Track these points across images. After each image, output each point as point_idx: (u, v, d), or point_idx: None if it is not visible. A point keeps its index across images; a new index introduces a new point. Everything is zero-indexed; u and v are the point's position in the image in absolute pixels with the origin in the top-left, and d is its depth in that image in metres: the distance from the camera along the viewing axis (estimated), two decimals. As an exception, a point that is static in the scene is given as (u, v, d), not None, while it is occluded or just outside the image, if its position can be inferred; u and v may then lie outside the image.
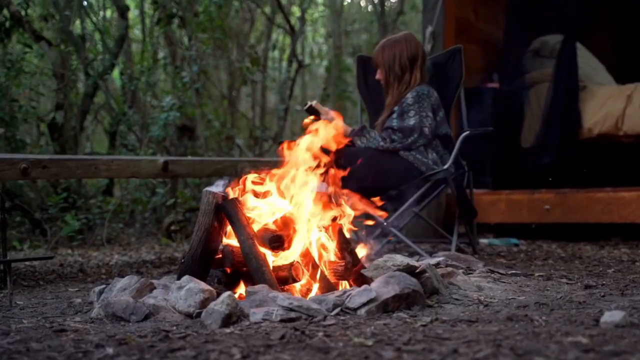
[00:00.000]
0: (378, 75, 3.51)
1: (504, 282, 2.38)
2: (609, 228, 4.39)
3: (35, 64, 5.42)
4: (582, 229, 4.45)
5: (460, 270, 2.46)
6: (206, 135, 6.32)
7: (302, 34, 8.38)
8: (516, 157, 5.19)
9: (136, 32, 7.84)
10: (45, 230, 4.54)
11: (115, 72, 6.75)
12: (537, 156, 5.00)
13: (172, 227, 4.84)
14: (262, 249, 2.15)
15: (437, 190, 3.50)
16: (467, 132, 3.34)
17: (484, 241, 4.32)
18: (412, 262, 2.12)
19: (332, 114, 3.28)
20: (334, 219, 2.31)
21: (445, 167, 3.25)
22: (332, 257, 2.27)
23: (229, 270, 2.28)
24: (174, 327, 1.82)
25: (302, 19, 7.91)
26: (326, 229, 2.27)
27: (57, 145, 4.96)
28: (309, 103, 3.34)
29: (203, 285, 2.00)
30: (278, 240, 2.20)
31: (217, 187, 2.29)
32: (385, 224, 3.34)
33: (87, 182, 5.61)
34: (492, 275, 2.49)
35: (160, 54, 6.43)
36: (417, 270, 2.10)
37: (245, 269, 2.17)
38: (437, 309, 1.98)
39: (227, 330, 1.72)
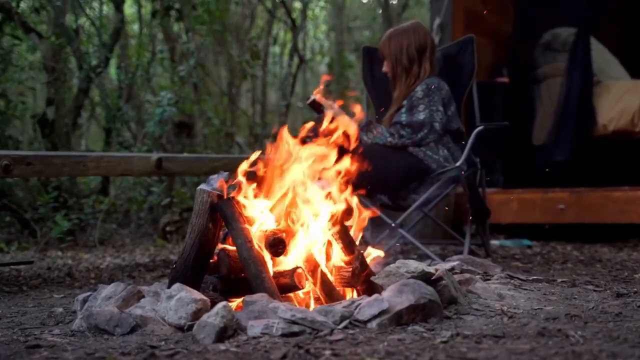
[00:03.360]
0: (385, 68, 3.31)
1: (526, 290, 2.18)
2: (627, 229, 4.19)
3: (25, 58, 5.19)
4: (598, 230, 4.25)
5: (478, 276, 2.26)
6: (205, 133, 6.11)
7: (304, 29, 8.17)
8: (527, 155, 4.98)
9: (135, 29, 7.64)
10: (35, 231, 4.33)
11: (113, 70, 6.55)
12: (549, 154, 4.79)
13: (168, 228, 4.63)
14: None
15: (448, 189, 3.30)
16: (481, 127, 3.14)
17: (495, 242, 4.11)
18: (428, 268, 1.92)
19: (338, 108, 3.07)
20: (340, 220, 2.09)
21: (458, 164, 3.05)
22: (339, 262, 2.06)
23: (224, 272, 2.07)
24: (162, 343, 1.63)
25: (303, 13, 7.71)
26: (333, 229, 2.06)
27: (48, 142, 4.75)
28: (312, 97, 3.12)
29: (195, 295, 1.79)
30: (279, 243, 1.99)
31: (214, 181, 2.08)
32: (393, 224, 3.13)
33: (80, 180, 5.39)
34: (512, 281, 2.29)
35: (158, 48, 6.21)
36: (433, 278, 1.90)
37: (243, 275, 1.97)
38: (456, 321, 1.77)
39: (222, 347, 1.52)
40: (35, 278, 3.04)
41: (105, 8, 6.88)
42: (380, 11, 8.46)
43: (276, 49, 8.66)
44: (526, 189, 4.50)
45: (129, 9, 7.37)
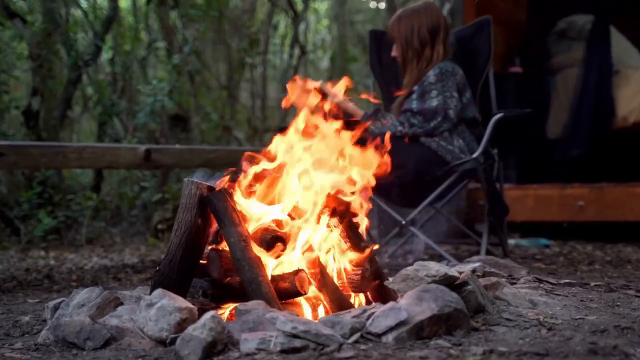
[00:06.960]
0: (394, 52, 3.04)
1: (560, 295, 1.91)
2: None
3: (6, 44, 4.88)
4: (618, 228, 3.98)
5: (503, 280, 2.00)
6: (203, 128, 5.84)
7: (305, 19, 7.90)
8: (541, 149, 4.71)
9: (131, 21, 7.37)
10: (18, 229, 4.06)
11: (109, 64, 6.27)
12: (564, 148, 4.52)
13: (160, 226, 4.35)
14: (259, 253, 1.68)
15: (462, 183, 3.04)
16: (500, 115, 2.87)
17: (510, 242, 3.84)
18: (451, 271, 1.65)
19: (342, 95, 2.80)
20: (348, 216, 1.83)
21: (475, 155, 2.78)
22: (346, 264, 1.80)
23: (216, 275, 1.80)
24: (139, 359, 1.36)
25: (305, 2, 7.45)
26: (339, 225, 1.79)
27: (33, 135, 4.47)
28: (315, 84, 2.86)
29: (180, 303, 1.53)
30: (279, 242, 1.73)
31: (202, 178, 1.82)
32: (403, 222, 2.87)
33: (68, 175, 5.09)
34: (542, 285, 2.03)
35: (152, 37, 5.93)
36: (457, 282, 1.63)
37: (237, 278, 1.70)
38: (486, 333, 1.51)
39: (209, 367, 1.26)
40: (10, 280, 2.77)
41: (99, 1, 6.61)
42: (384, 4, 8.21)
43: (277, 41, 8.40)
44: (543, 184, 4.23)
45: (124, 1, 7.11)
